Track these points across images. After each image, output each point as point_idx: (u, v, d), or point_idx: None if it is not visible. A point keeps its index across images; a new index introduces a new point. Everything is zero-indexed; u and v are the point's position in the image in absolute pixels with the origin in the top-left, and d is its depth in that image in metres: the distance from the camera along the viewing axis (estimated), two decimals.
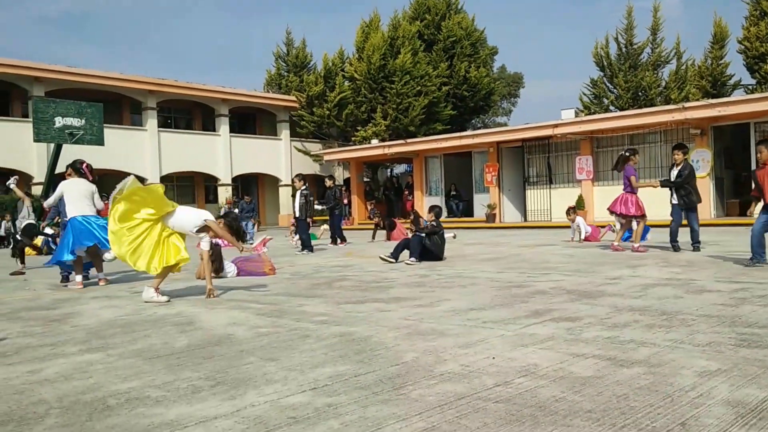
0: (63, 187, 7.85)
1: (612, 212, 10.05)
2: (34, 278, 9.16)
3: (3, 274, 10.05)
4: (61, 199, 7.88)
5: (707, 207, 19.09)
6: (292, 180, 13.26)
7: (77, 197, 7.75)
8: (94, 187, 8.01)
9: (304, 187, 12.80)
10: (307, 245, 12.62)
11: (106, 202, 6.85)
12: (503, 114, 50.71)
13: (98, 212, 7.97)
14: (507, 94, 48.98)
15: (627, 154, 9.97)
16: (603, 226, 13.30)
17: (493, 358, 3.34)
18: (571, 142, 22.12)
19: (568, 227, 13.23)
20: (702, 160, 19.10)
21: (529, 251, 10.78)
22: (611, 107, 28.70)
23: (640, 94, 28.01)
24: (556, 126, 21.47)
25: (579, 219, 12.75)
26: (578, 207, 20.57)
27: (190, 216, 6.24)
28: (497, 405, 2.56)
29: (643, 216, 9.77)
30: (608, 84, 29.38)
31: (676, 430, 2.24)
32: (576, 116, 22.64)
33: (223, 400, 2.77)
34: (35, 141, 21.18)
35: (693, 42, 64.35)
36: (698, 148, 19.23)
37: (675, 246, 9.44)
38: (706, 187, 19.21)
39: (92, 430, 2.46)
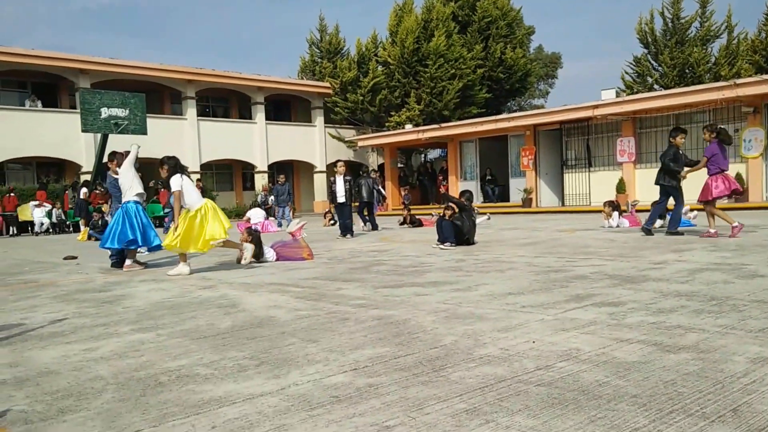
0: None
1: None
2: (86, 262, 9.49)
3: (57, 258, 10.47)
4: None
5: (759, 189, 18.51)
6: (335, 165, 13.33)
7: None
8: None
9: (346, 174, 12.93)
10: (348, 229, 12.76)
11: (162, 189, 7.32)
12: (540, 96, 49.92)
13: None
14: (544, 76, 48.16)
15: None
16: (640, 210, 13.01)
17: (534, 342, 3.31)
18: (612, 123, 21.68)
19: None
20: (755, 139, 18.47)
21: (567, 236, 10.64)
22: (656, 86, 27.74)
23: (687, 71, 26.91)
24: (596, 107, 21.07)
25: (615, 214, 12.46)
26: (618, 191, 20.28)
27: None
28: (539, 388, 2.55)
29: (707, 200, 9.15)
30: (653, 61, 28.39)
31: (727, 417, 2.19)
32: (617, 96, 22.15)
33: (267, 379, 2.83)
34: (83, 131, 21.81)
35: (745, 14, 61.30)
36: (750, 126, 18.58)
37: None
38: (758, 168, 18.62)
39: (146, 404, 2.55)
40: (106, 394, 2.71)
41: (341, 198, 12.73)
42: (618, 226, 12.10)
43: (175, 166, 7.41)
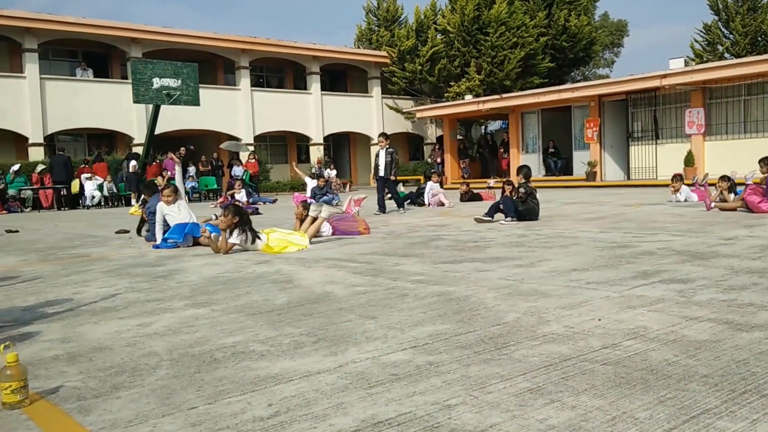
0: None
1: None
2: (138, 236, 9.30)
3: (109, 232, 10.35)
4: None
5: None
6: (379, 138, 12.75)
7: None
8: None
9: (389, 146, 12.26)
10: (400, 204, 12.65)
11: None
12: (605, 65, 48.31)
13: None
14: (609, 44, 46.46)
15: None
16: (712, 184, 12.46)
17: (599, 319, 3.22)
18: (681, 93, 20.81)
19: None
20: None
21: (633, 211, 10.32)
22: (726, 55, 26.65)
23: (759, 39, 25.83)
24: (663, 77, 20.23)
25: (684, 188, 11.96)
26: (686, 164, 19.49)
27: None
28: (605, 367, 2.47)
29: None
30: (723, 29, 27.31)
31: None
32: (686, 65, 21.24)
33: (325, 356, 2.81)
34: (134, 102, 21.21)
35: None
36: None
37: None
38: None
39: (201, 381, 2.55)
40: (160, 371, 2.71)
41: (382, 171, 12.13)
42: (686, 200, 11.65)
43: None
